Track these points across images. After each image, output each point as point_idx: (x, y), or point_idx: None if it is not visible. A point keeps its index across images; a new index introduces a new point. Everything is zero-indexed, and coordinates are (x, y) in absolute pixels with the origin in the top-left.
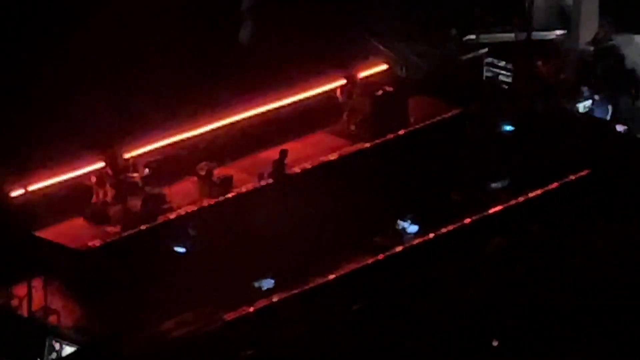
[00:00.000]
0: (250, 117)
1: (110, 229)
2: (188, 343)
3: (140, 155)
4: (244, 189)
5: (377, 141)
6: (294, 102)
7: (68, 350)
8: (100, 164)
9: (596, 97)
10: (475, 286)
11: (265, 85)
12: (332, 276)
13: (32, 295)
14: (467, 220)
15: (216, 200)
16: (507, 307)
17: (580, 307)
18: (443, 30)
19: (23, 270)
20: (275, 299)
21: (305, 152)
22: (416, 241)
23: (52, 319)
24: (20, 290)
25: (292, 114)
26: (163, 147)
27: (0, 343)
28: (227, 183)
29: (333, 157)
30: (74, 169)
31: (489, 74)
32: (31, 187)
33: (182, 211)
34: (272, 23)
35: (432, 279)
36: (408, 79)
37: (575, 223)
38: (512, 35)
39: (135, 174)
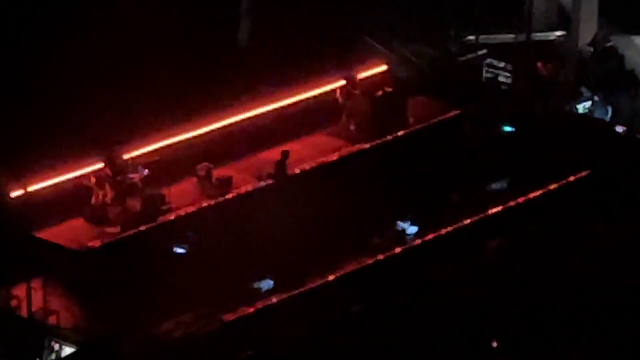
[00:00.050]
0: (249, 118)
1: (109, 229)
2: (187, 344)
3: (139, 156)
4: (243, 190)
5: (377, 142)
6: (294, 103)
7: (67, 350)
8: (100, 165)
9: (595, 97)
10: (475, 287)
11: (265, 86)
12: (331, 277)
13: (32, 296)
14: (467, 221)
15: (215, 201)
16: (506, 308)
17: (580, 308)
18: (442, 31)
19: (22, 271)
20: (274, 299)
21: (304, 153)
22: (415, 242)
23: (52, 319)
24: (20, 290)
25: (292, 115)
26: (162, 148)
27: None
28: (226, 184)
29: (332, 157)
30: (74, 169)
31: (489, 75)
32: (31, 188)
33: (181, 212)
34: (271, 24)
35: (431, 279)
36: (407, 80)
37: (574, 224)
38: (512, 36)
39: (135, 175)
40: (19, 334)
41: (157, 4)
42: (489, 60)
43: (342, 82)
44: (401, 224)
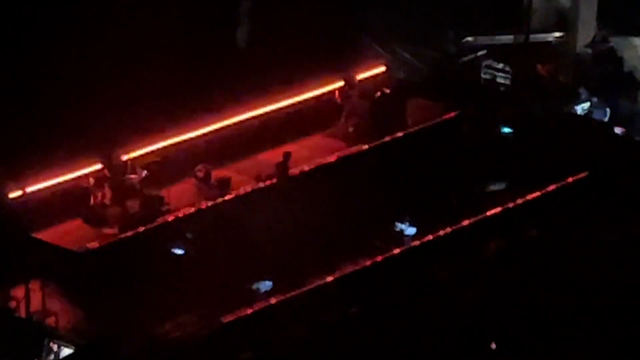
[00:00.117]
0: (248, 119)
1: (108, 230)
2: (186, 345)
3: (138, 157)
4: (242, 191)
5: (375, 143)
6: (292, 104)
7: (66, 352)
8: (98, 166)
9: (594, 99)
10: (474, 288)
11: (263, 88)
12: (330, 278)
13: (30, 297)
14: (465, 223)
15: (214, 202)
16: (505, 310)
17: (579, 309)
18: (441, 32)
19: (21, 272)
20: (273, 301)
21: (303, 154)
22: (414, 243)
23: (50, 320)
24: (18, 292)
25: (290, 116)
26: (161, 149)
27: None
28: (225, 185)
29: (331, 159)
30: (72, 170)
31: (487, 76)
32: (29, 189)
33: (180, 213)
34: (270, 25)
35: (430, 281)
36: (406, 81)
37: (573, 225)
38: (511, 37)
39: (134, 176)
40: (17, 335)
41: (156, 5)
42: (487, 62)
43: (341, 83)
44: (400, 225)
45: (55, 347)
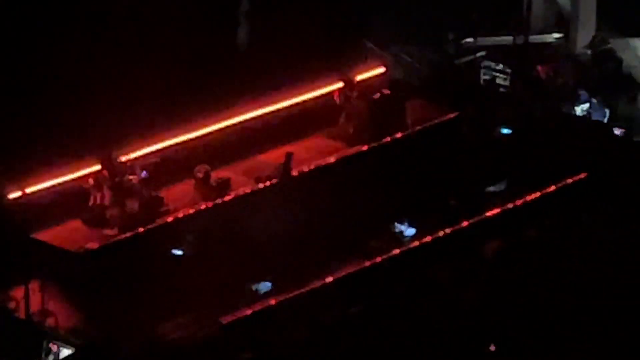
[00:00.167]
0: (247, 120)
1: (107, 231)
2: (185, 346)
3: (137, 158)
4: (241, 192)
5: (374, 144)
6: (291, 105)
7: (65, 352)
8: (98, 167)
9: (593, 100)
10: (473, 289)
11: (263, 88)
12: (329, 279)
13: (30, 298)
14: (465, 223)
15: (214, 203)
16: (505, 310)
17: (579, 310)
18: (440, 33)
19: (20, 273)
20: (272, 301)
21: (302, 155)
22: (413, 244)
23: (50, 321)
24: (18, 292)
25: (290, 117)
26: (160, 149)
27: None
28: (224, 186)
29: (330, 160)
30: (71, 171)
31: (486, 77)
32: (28, 190)
33: (179, 214)
34: (270, 26)
35: (429, 281)
36: (405, 82)
37: (573, 226)
38: (510, 38)
39: (133, 177)
40: (17, 335)
41: (155, 5)
42: (486, 63)
43: (340, 84)
44: (399, 226)
45: (54, 348)
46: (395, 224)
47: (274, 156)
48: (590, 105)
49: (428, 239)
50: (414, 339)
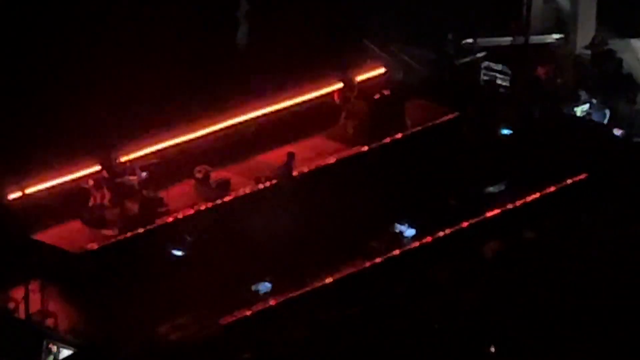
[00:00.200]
0: (247, 121)
1: (107, 232)
2: (185, 347)
3: (137, 159)
4: (241, 192)
5: (375, 145)
6: (291, 106)
7: (65, 353)
8: (97, 167)
9: (593, 101)
10: (473, 290)
11: (262, 89)
12: (329, 280)
13: (30, 298)
14: (465, 224)
15: (213, 203)
16: (505, 311)
17: (579, 310)
18: (440, 34)
19: (20, 273)
20: (272, 302)
21: (302, 156)
22: (413, 245)
23: (50, 321)
24: (18, 293)
25: (290, 118)
26: (160, 150)
27: None
28: (224, 186)
29: (330, 160)
30: (71, 172)
31: (486, 78)
32: (28, 190)
33: (179, 214)
34: (270, 27)
35: (429, 282)
36: (405, 83)
37: (572, 227)
38: (510, 39)
39: (133, 177)
40: (16, 336)
41: (155, 5)
42: (486, 63)
43: (340, 85)
44: (399, 227)
45: (54, 348)
46: (396, 224)
47: (274, 156)
48: (590, 105)
49: (428, 239)
50: (414, 340)
